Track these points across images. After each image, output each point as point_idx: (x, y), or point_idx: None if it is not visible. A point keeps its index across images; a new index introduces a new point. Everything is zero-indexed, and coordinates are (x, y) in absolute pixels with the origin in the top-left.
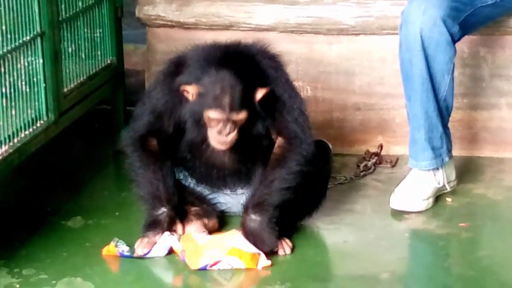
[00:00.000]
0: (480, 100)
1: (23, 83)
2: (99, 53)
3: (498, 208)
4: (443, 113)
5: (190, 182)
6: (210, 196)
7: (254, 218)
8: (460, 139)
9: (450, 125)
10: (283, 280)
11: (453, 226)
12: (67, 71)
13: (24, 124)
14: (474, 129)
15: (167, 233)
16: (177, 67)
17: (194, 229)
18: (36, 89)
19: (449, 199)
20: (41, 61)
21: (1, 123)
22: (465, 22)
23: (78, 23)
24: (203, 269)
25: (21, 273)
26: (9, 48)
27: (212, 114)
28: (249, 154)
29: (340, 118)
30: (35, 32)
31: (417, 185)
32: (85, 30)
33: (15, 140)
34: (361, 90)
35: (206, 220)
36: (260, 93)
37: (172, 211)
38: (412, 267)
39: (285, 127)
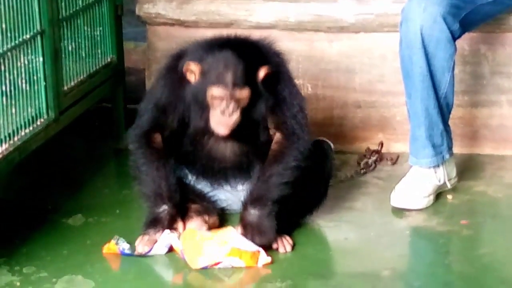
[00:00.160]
0: (480, 98)
1: (23, 81)
2: (99, 51)
3: (498, 205)
4: (444, 110)
5: (191, 180)
6: (210, 194)
7: (253, 213)
8: (461, 137)
9: (450, 122)
10: (283, 278)
11: (453, 224)
12: (67, 69)
13: (25, 122)
14: (474, 127)
15: (167, 231)
16: (178, 61)
17: (194, 226)
18: (36, 87)
19: (449, 197)
20: (41, 59)
21: (1, 121)
22: (465, 20)
23: (78, 21)
24: (204, 268)
25: (22, 271)
26: (9, 46)
27: (215, 91)
28: (249, 148)
29: (341, 116)
30: (35, 31)
31: (417, 182)
32: (85, 28)
33: (16, 138)
34: (362, 87)
35: (206, 217)
36: (262, 72)
37: (173, 209)
38: (412, 265)
39: (283, 122)
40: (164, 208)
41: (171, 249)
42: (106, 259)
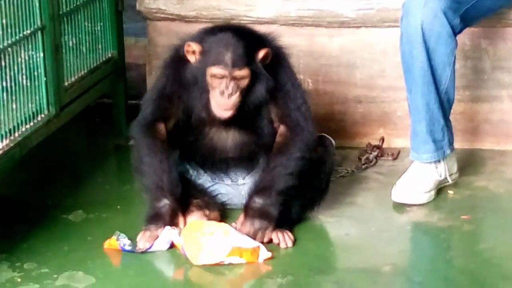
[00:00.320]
0: (481, 93)
1: (24, 77)
2: (99, 46)
3: (499, 200)
4: (445, 105)
5: (192, 174)
6: (211, 188)
7: (258, 201)
8: (462, 132)
9: (451, 117)
10: (284, 273)
11: (454, 219)
12: (68, 65)
13: (25, 118)
14: (475, 122)
15: (168, 227)
16: (181, 51)
17: (195, 219)
18: (37, 83)
19: (450, 192)
20: (41, 55)
21: (2, 117)
22: (466, 14)
23: (79, 17)
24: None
25: (23, 267)
26: (9, 42)
27: (214, 70)
28: (251, 138)
29: (342, 111)
30: (35, 26)
31: (418, 177)
32: (86, 23)
33: (16, 134)
34: (362, 82)
35: (207, 212)
36: (261, 53)
37: (175, 203)
38: (413, 260)
39: (287, 115)
40: (165, 202)
41: (172, 245)
42: (107, 255)
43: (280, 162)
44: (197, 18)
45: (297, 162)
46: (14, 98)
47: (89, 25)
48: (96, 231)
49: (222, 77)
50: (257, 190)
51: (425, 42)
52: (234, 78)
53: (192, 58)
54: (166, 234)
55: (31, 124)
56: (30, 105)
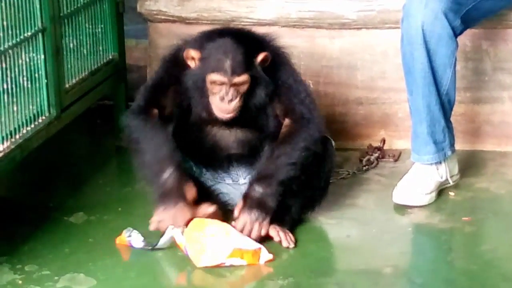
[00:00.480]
0: (482, 94)
1: (25, 79)
2: (100, 48)
3: (500, 202)
4: (445, 107)
5: (195, 172)
6: (213, 187)
7: (257, 189)
8: (463, 133)
9: (452, 119)
10: (285, 275)
11: (456, 220)
12: (69, 66)
13: (26, 120)
14: (476, 123)
15: (171, 226)
16: (179, 51)
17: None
18: (37, 85)
19: (452, 193)
20: (42, 56)
21: (3, 119)
22: (467, 16)
23: (80, 19)
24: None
25: (24, 269)
26: (10, 44)
27: (214, 76)
28: (254, 136)
29: (343, 113)
30: (36, 28)
31: (419, 179)
32: (87, 25)
33: (17, 136)
34: (363, 84)
35: (208, 210)
36: (260, 56)
37: (179, 171)
38: (415, 261)
39: (292, 109)
40: (170, 171)
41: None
42: (108, 256)
43: (284, 151)
44: (198, 20)
45: (301, 152)
46: (15, 100)
47: (90, 27)
48: (97, 233)
49: (222, 83)
50: (258, 178)
51: (425, 43)
52: (233, 85)
53: (192, 64)
54: (169, 233)
55: (32, 126)
56: (31, 107)
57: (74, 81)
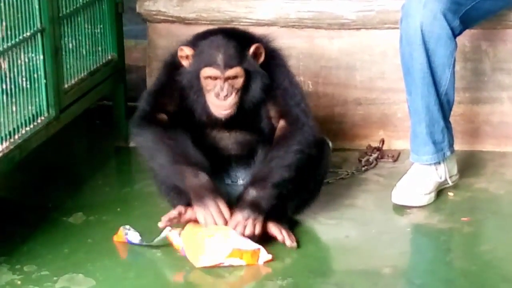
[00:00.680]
0: (481, 94)
1: (24, 79)
2: (99, 49)
3: (499, 202)
4: (444, 107)
5: None
6: None
7: (251, 192)
8: (462, 133)
9: (451, 119)
10: (284, 276)
11: (455, 221)
12: (68, 67)
13: (25, 120)
14: (475, 123)
15: (168, 228)
16: (177, 56)
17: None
18: (36, 85)
19: (451, 194)
20: (41, 57)
21: (2, 119)
22: (466, 16)
23: (79, 19)
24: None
25: (23, 270)
26: (9, 44)
27: (207, 71)
28: (253, 138)
29: (341, 113)
30: (35, 28)
31: (418, 179)
32: (86, 26)
33: (16, 137)
34: (362, 84)
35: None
36: (253, 48)
37: (210, 177)
38: (414, 262)
39: (287, 111)
40: (204, 176)
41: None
42: (107, 257)
43: (277, 154)
44: (197, 20)
45: (295, 155)
46: (14, 100)
47: (89, 27)
48: (96, 233)
49: (216, 78)
50: (253, 181)
51: (424, 43)
52: (227, 79)
53: (186, 63)
54: (165, 233)
55: (31, 126)
56: (30, 108)
57: (73, 81)
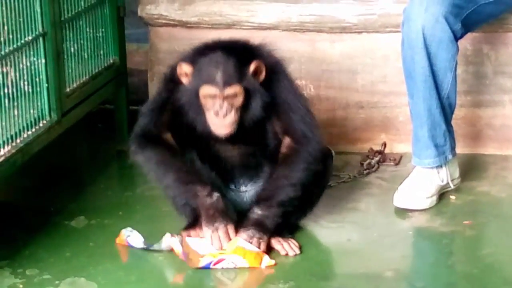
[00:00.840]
0: (483, 98)
1: (26, 83)
2: (101, 52)
3: (502, 205)
4: (446, 110)
5: None
6: None
7: (257, 211)
8: (464, 137)
9: (453, 122)
10: (286, 279)
11: (457, 224)
12: (70, 71)
13: (27, 124)
14: (477, 127)
15: (168, 234)
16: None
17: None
18: (38, 89)
19: (452, 197)
20: (43, 61)
21: (4, 123)
22: (467, 20)
23: (81, 23)
24: (207, 267)
25: (25, 273)
26: (11, 48)
27: (206, 90)
28: (256, 149)
29: (343, 117)
30: (37, 32)
31: (420, 183)
32: (88, 29)
33: (18, 140)
34: (364, 88)
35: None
36: (253, 66)
37: (222, 195)
38: (416, 265)
39: (291, 126)
40: (217, 195)
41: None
42: (109, 260)
43: (283, 173)
44: (198, 24)
45: (301, 173)
46: (16, 104)
47: (91, 31)
48: (98, 237)
49: (215, 97)
50: (258, 200)
51: (426, 47)
52: (226, 97)
53: (185, 80)
54: (167, 240)
55: (33, 130)
56: (32, 111)
57: (75, 85)
